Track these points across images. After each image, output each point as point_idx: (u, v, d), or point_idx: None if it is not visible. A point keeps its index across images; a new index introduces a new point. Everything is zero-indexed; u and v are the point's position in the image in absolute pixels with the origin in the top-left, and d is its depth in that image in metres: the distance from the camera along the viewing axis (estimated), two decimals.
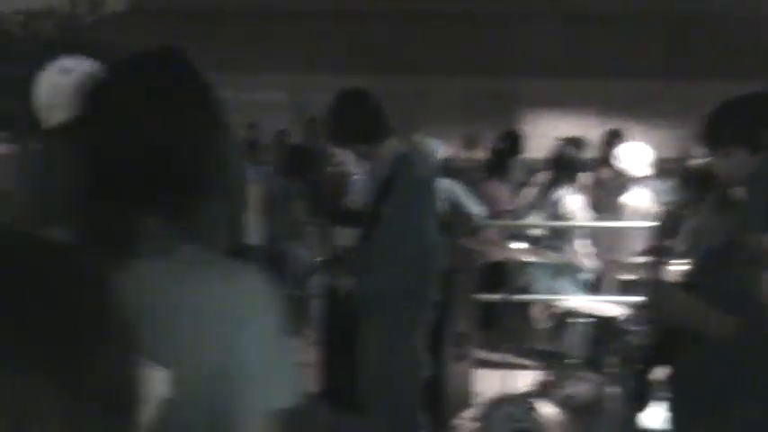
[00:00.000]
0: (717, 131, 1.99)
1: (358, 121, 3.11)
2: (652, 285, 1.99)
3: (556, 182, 5.17)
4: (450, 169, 7.03)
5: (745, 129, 1.93)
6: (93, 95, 1.11)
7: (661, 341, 2.08)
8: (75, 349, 0.50)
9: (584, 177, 5.52)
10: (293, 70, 16.45)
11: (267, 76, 16.98)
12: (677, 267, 2.27)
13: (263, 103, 17.08)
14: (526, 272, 4.96)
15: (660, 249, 2.04)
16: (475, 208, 4.82)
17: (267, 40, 17.42)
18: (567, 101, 17.33)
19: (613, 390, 3.42)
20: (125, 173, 1.07)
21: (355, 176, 4.79)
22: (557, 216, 5.00)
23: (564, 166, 5.22)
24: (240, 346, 1.04)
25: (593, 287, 4.97)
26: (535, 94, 17.58)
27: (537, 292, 4.96)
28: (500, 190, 5.91)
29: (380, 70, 16.65)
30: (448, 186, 4.81)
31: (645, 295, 2.11)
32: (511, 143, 6.74)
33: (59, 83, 1.94)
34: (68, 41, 13.85)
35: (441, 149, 5.00)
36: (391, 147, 3.17)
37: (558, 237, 5.05)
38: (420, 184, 3.13)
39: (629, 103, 15.89)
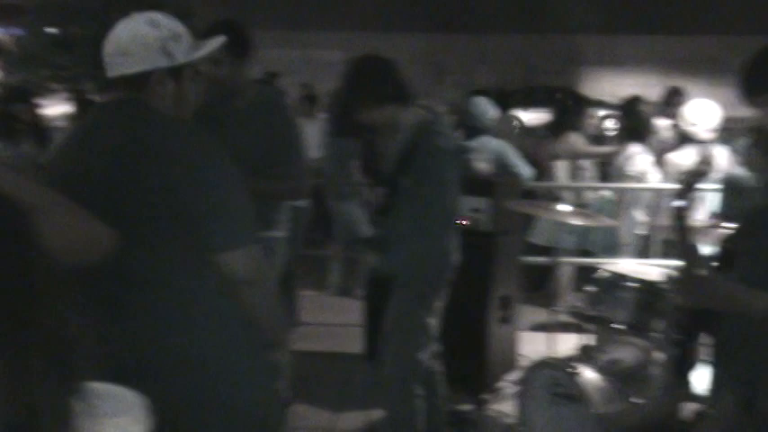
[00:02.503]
0: (759, 77, 1.89)
1: (375, 86, 2.95)
2: (682, 258, 1.90)
3: (626, 139, 5.05)
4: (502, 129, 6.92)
5: None
6: None
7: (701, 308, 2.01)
8: (10, 304, 0.49)
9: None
10: (350, 28, 16.35)
11: (324, 34, 16.90)
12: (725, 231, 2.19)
13: (320, 62, 17.06)
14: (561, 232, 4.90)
15: (683, 214, 1.95)
16: (524, 169, 4.74)
17: None
18: (625, 59, 16.86)
19: (659, 355, 3.36)
20: None
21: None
22: (623, 175, 4.89)
23: (636, 123, 5.08)
24: None
25: (642, 250, 4.87)
26: (593, 53, 17.14)
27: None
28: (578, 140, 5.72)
29: (438, 28, 16.44)
30: (496, 146, 4.75)
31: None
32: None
33: (146, 33, 1.89)
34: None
35: (492, 110, 4.91)
36: (413, 115, 3.02)
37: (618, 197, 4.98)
38: (441, 153, 2.95)
39: (690, 60, 15.35)
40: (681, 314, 2.98)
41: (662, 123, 5.74)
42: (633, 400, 3.24)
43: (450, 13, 16.81)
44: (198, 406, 1.86)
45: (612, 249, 4.94)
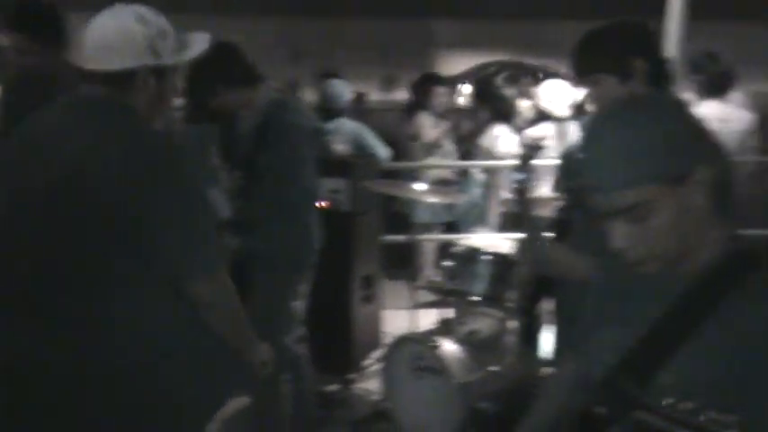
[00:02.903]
0: (586, 59, 2.00)
1: (220, 71, 2.90)
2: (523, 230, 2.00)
3: (489, 119, 5.21)
4: (359, 110, 6.99)
5: (615, 57, 1.94)
6: None
7: (542, 276, 2.12)
8: None
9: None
10: (202, 11, 15.94)
11: (178, 17, 16.38)
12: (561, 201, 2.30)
13: None
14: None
15: (523, 187, 2.05)
16: (381, 150, 4.80)
17: None
18: (479, 42, 17.39)
19: (513, 323, 3.50)
20: None
21: None
22: (491, 155, 5.06)
23: (500, 105, 5.24)
24: None
25: (503, 225, 5.07)
26: (450, 36, 17.57)
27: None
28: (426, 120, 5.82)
29: (294, 11, 16.31)
30: (353, 128, 4.78)
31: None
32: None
33: (134, 29, 1.78)
34: None
35: (346, 91, 4.93)
36: (263, 94, 3.01)
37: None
38: (293, 128, 2.96)
39: (538, 43, 16.01)
40: (526, 283, 3.12)
41: (524, 104, 5.95)
42: (491, 368, 3.38)
43: None
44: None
45: (480, 225, 5.12)
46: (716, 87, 4.72)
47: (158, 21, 1.85)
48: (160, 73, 1.84)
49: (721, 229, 1.15)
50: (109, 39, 1.78)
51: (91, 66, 1.79)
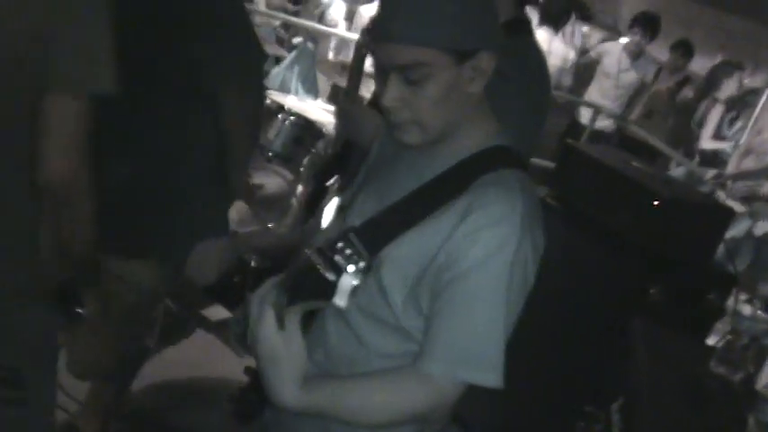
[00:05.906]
0: None
1: None
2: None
3: None
4: None
5: None
6: None
7: (340, 150, 2.08)
8: None
9: None
10: None
11: None
12: None
13: None
14: None
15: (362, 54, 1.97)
16: None
17: None
18: None
19: (300, 188, 3.53)
20: None
21: None
22: (321, 20, 5.01)
23: None
24: None
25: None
26: None
27: None
28: None
29: None
30: None
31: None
32: None
33: None
34: None
35: None
36: None
37: (312, 40, 5.08)
38: None
39: None
40: (327, 153, 3.13)
41: None
42: (270, 224, 3.40)
43: None
44: None
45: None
46: (550, 18, 4.88)
47: None
48: None
49: (488, 124, 1.17)
50: None
51: None
